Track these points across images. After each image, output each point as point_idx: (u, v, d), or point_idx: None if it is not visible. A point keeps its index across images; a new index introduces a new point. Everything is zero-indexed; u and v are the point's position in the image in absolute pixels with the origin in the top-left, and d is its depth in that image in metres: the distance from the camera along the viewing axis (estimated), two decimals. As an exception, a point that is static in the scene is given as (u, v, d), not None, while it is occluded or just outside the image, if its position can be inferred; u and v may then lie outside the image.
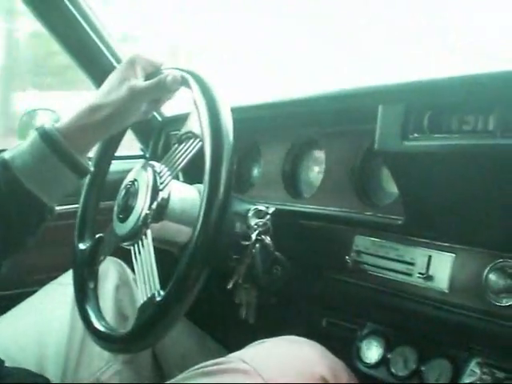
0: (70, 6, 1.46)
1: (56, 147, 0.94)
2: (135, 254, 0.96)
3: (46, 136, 0.94)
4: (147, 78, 1.01)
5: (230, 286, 1.17)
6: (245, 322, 1.24)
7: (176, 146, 0.99)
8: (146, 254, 0.93)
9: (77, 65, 1.59)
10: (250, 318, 1.21)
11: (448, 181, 0.97)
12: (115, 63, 1.57)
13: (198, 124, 0.92)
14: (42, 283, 1.39)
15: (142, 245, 0.95)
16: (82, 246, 1.12)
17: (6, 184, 0.93)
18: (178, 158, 0.97)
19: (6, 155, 0.95)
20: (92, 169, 1.03)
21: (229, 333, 1.46)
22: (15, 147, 0.96)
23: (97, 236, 1.10)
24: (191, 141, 0.95)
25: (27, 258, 1.46)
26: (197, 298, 0.86)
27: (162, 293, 0.87)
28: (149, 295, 0.89)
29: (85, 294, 1.07)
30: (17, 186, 0.93)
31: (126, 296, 1.30)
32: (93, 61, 1.57)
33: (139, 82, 0.99)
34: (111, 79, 1.01)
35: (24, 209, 0.95)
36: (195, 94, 0.93)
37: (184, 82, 0.97)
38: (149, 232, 0.95)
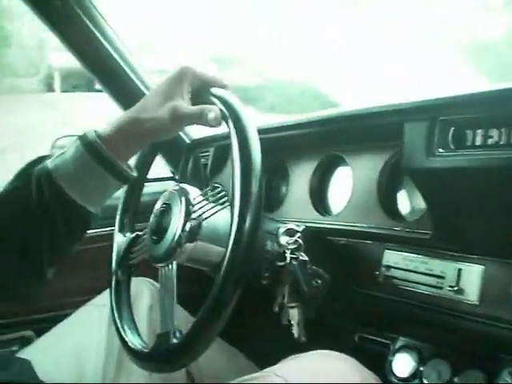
0: (98, 34, 1.51)
1: (99, 157, 0.95)
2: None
3: (88, 146, 0.95)
4: (193, 94, 1.00)
5: (276, 309, 1.18)
6: (277, 339, 1.25)
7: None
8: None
9: (106, 92, 1.63)
10: (302, 336, 1.21)
11: (474, 194, 0.98)
12: (145, 90, 1.62)
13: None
14: (77, 306, 1.42)
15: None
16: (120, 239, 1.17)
17: (51, 195, 0.94)
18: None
19: (50, 165, 0.96)
20: (135, 174, 1.04)
21: (261, 350, 1.47)
22: (59, 156, 0.98)
23: (134, 234, 1.15)
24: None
25: (62, 280, 1.50)
26: (230, 316, 0.88)
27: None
28: None
29: (120, 309, 1.10)
30: (61, 197, 0.95)
31: None
32: (122, 88, 1.62)
33: (184, 105, 0.97)
34: (157, 93, 0.99)
35: (69, 217, 0.97)
36: (226, 116, 0.95)
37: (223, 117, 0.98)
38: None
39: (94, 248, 1.57)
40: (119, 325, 1.08)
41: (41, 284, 1.02)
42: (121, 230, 1.17)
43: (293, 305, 1.17)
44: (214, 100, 0.98)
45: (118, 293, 1.12)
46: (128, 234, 1.15)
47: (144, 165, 1.18)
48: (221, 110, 0.96)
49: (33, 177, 0.96)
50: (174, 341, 0.93)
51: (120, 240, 1.16)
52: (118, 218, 1.18)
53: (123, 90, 1.63)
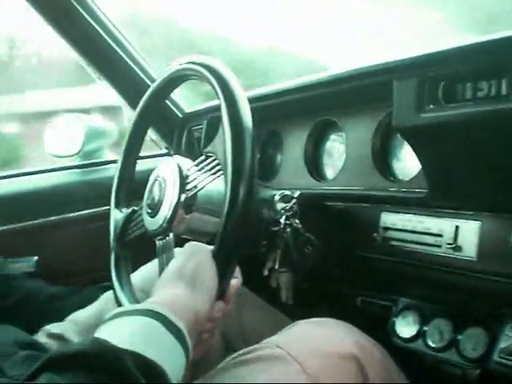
0: (98, 28, 1.55)
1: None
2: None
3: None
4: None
5: (265, 272, 1.18)
6: (280, 305, 1.26)
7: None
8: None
9: (110, 85, 1.65)
10: (289, 299, 1.22)
11: (467, 149, 0.97)
12: (148, 81, 1.65)
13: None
14: (78, 285, 1.43)
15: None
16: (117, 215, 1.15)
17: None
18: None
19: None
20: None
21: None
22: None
23: (130, 209, 1.13)
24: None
25: (62, 261, 1.51)
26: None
27: None
28: None
29: (121, 283, 1.09)
30: None
31: None
32: (125, 81, 1.66)
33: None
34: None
35: None
36: (214, 85, 0.94)
37: (203, 77, 0.97)
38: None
39: (93, 227, 1.58)
40: (122, 302, 1.08)
41: None
42: (117, 206, 1.15)
43: (283, 270, 1.18)
44: (203, 70, 0.97)
45: (118, 268, 1.12)
46: (124, 210, 1.14)
47: (136, 139, 1.17)
48: (210, 80, 0.95)
49: None
50: None
51: (117, 216, 1.15)
52: (113, 194, 1.16)
53: (122, 77, 1.67)
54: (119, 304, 1.08)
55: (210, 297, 0.84)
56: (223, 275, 0.86)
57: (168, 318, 0.74)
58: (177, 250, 0.96)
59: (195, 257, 0.87)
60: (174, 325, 0.73)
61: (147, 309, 0.75)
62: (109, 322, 0.74)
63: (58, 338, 1.15)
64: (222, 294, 0.86)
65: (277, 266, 1.16)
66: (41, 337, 1.15)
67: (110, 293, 1.23)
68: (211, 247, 0.88)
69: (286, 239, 1.14)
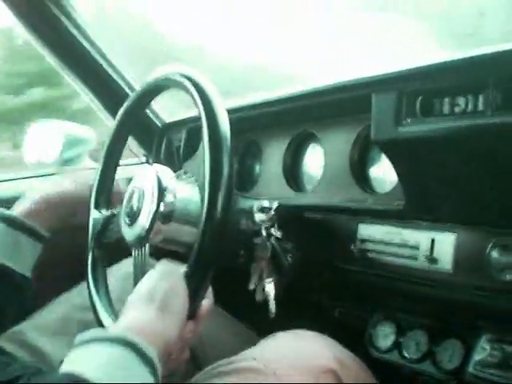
0: (79, 37, 1.55)
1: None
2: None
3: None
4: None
5: (252, 286, 1.18)
6: (256, 318, 1.25)
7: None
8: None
9: (90, 94, 1.65)
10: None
11: (444, 163, 0.98)
12: (128, 90, 1.65)
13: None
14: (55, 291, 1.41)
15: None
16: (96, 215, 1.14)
17: None
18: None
19: None
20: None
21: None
22: None
23: (109, 211, 1.12)
24: None
25: (40, 267, 1.50)
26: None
27: None
28: None
29: (97, 286, 1.08)
30: None
31: None
32: (105, 89, 1.65)
33: None
34: None
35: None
36: (194, 95, 0.94)
37: (183, 87, 0.97)
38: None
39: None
40: (96, 303, 1.06)
41: None
42: (96, 207, 1.15)
43: (270, 280, 1.17)
44: (184, 80, 0.97)
45: (95, 269, 1.11)
46: (104, 211, 1.14)
47: (116, 148, 1.17)
48: (190, 90, 0.95)
49: None
50: None
51: (96, 216, 1.14)
52: (93, 196, 1.15)
53: (102, 85, 1.65)
54: (93, 306, 1.07)
55: (180, 320, 0.83)
56: (195, 295, 0.85)
57: (139, 346, 0.73)
58: (150, 266, 0.96)
59: (167, 279, 0.86)
60: (146, 354, 0.73)
61: (119, 337, 0.74)
62: (80, 349, 0.74)
63: (21, 343, 1.13)
64: (192, 313, 0.86)
65: (264, 277, 1.16)
66: (3, 342, 1.14)
67: (75, 295, 1.22)
68: (184, 269, 0.87)
69: (272, 249, 1.14)
